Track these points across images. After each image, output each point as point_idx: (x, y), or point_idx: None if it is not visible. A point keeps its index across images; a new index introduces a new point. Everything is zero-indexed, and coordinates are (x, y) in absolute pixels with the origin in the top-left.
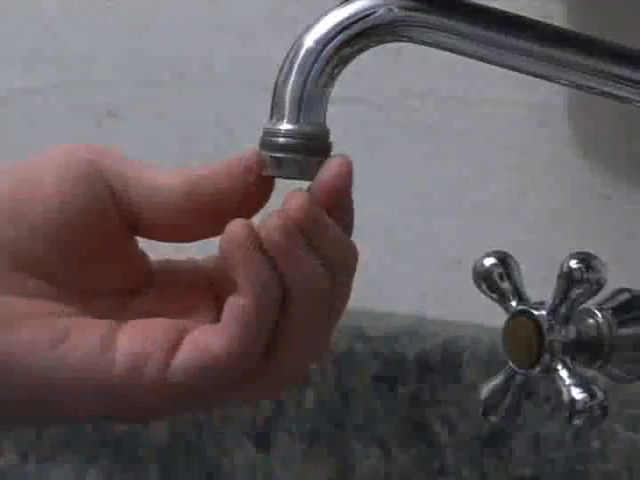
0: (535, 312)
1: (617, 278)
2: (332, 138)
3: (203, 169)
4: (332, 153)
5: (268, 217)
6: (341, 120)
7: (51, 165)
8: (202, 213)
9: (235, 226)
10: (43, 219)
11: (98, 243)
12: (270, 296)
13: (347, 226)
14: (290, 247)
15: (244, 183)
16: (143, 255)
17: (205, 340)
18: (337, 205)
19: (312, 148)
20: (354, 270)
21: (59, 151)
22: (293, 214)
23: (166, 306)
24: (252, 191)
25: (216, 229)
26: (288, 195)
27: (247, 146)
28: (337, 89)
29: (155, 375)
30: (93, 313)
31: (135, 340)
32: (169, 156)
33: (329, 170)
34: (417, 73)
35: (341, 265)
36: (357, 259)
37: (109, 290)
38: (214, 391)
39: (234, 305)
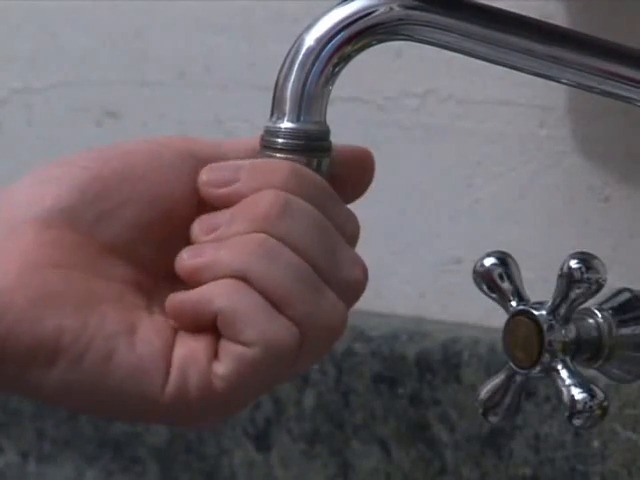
0: (535, 312)
1: (617, 278)
2: (332, 138)
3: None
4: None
5: None
6: (341, 120)
7: (143, 154)
8: None
9: None
10: (144, 208)
11: (179, 225)
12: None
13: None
14: None
15: None
16: None
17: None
18: None
19: (313, 147)
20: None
21: (144, 144)
22: None
23: None
24: None
25: None
26: None
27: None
28: (337, 89)
29: (201, 382)
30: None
31: (186, 345)
32: None
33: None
34: (417, 73)
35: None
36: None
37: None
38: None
39: None
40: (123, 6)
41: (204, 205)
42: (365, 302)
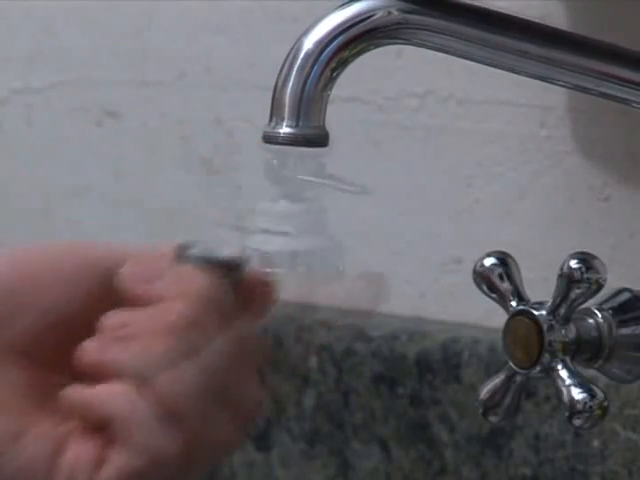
0: (535, 312)
1: (617, 278)
2: (332, 138)
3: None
4: (332, 153)
5: None
6: (341, 120)
7: (43, 262)
8: None
9: None
10: (43, 310)
11: (88, 326)
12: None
13: None
14: None
15: None
16: None
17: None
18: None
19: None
20: None
21: (56, 247)
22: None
23: None
24: None
25: None
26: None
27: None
28: (337, 89)
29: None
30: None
31: (75, 451)
32: (169, 156)
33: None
34: (417, 73)
35: None
36: None
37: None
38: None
39: None
40: (123, 6)
41: (102, 311)
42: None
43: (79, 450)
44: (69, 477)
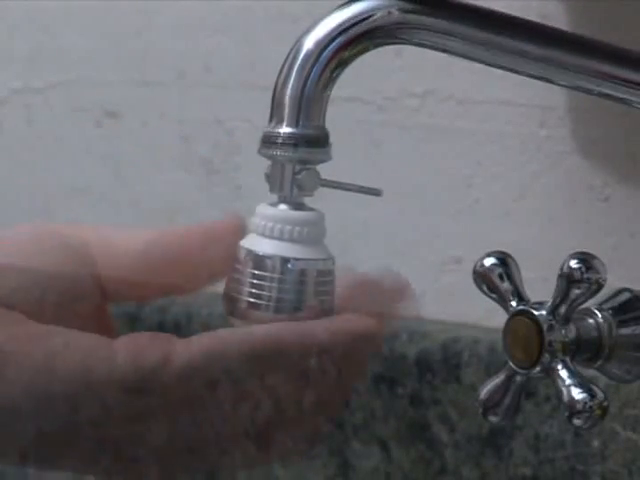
0: (535, 312)
1: (617, 278)
2: (332, 138)
3: (169, 230)
4: (332, 153)
5: None
6: (341, 120)
7: (24, 244)
8: (159, 271)
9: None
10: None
11: (79, 317)
12: None
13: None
14: None
15: (213, 254)
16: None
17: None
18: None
19: (311, 152)
20: None
21: (28, 230)
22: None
23: None
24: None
25: (177, 286)
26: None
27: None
28: (337, 89)
29: (159, 360)
30: None
31: (132, 337)
32: (169, 156)
33: None
34: (417, 73)
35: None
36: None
37: None
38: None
39: None
40: (123, 6)
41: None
42: None
43: (140, 338)
44: (134, 358)
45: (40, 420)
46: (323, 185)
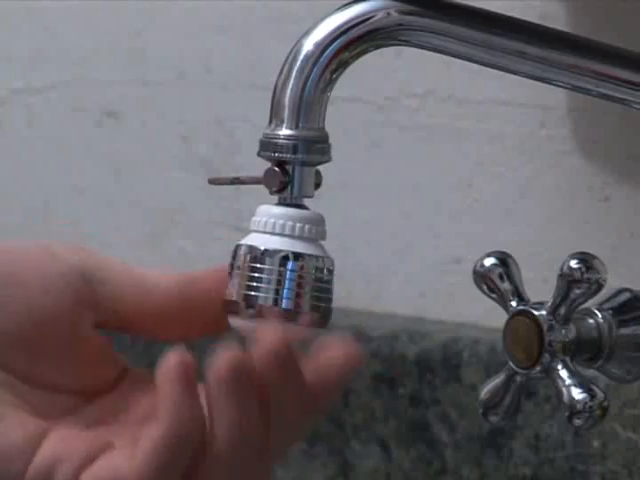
0: (535, 312)
1: (617, 278)
2: (332, 138)
3: (195, 273)
4: (332, 153)
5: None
6: (341, 120)
7: (32, 264)
8: (194, 313)
9: (172, 359)
10: (18, 315)
11: (64, 340)
12: (186, 431)
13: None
14: (229, 392)
15: None
16: (116, 356)
17: (117, 461)
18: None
19: (311, 153)
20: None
21: (37, 248)
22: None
23: (131, 407)
24: None
25: (206, 330)
26: (261, 330)
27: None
28: (337, 89)
29: None
30: (48, 409)
31: (57, 446)
32: (169, 156)
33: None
34: (417, 73)
35: (282, 413)
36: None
37: (69, 390)
38: None
39: (149, 433)
40: (123, 6)
41: (74, 314)
42: (365, 302)
43: (65, 442)
44: (47, 469)
45: None
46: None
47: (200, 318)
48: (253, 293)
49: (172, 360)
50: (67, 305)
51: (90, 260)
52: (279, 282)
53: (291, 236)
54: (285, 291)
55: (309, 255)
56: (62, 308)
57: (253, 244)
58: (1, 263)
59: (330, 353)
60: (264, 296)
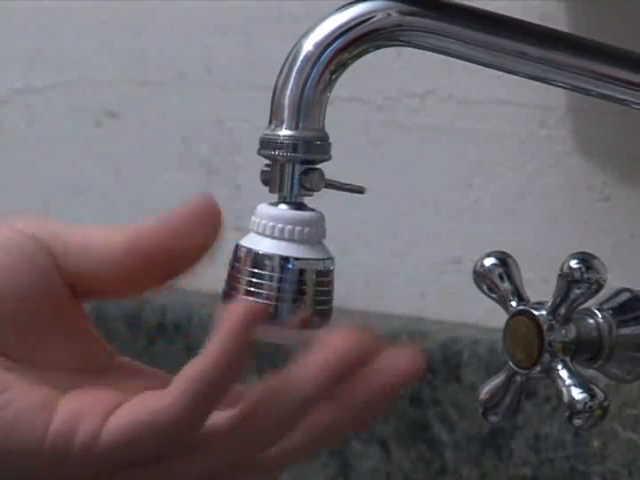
0: (535, 312)
1: (617, 278)
2: (332, 138)
3: (147, 225)
4: (332, 153)
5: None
6: (341, 120)
7: None
8: (143, 269)
9: (247, 305)
10: None
11: (48, 315)
12: (232, 371)
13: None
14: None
15: (193, 239)
16: (99, 338)
17: (145, 399)
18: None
19: (311, 151)
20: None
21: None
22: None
23: (131, 386)
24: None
25: (162, 279)
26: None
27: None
28: (337, 89)
29: (88, 435)
30: (48, 386)
31: (75, 402)
32: (169, 156)
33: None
34: (417, 73)
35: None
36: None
37: (66, 368)
38: (153, 459)
39: (191, 365)
40: (123, 6)
41: (47, 296)
42: (365, 302)
43: (83, 398)
44: (69, 424)
45: None
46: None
47: (146, 275)
48: (252, 299)
49: (245, 305)
50: (39, 278)
51: (47, 231)
52: (279, 289)
53: (291, 240)
54: (285, 296)
55: (309, 259)
56: (36, 281)
57: (253, 247)
58: None
59: (394, 364)
60: (263, 302)
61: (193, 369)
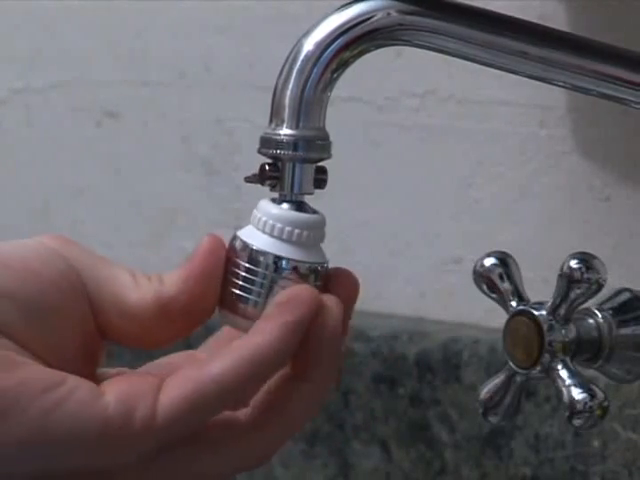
0: (535, 312)
1: (617, 278)
2: (332, 138)
3: (174, 282)
4: (332, 153)
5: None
6: (341, 120)
7: (30, 259)
8: (173, 323)
9: (310, 289)
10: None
11: (79, 339)
12: (290, 347)
13: None
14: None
15: (216, 281)
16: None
17: (193, 373)
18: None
19: (311, 150)
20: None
21: (34, 246)
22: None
23: None
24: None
25: (188, 329)
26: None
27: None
28: (337, 89)
29: (147, 410)
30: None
31: (120, 385)
32: (169, 156)
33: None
34: (417, 73)
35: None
36: None
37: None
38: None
39: (247, 338)
40: (123, 6)
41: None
42: (365, 302)
43: (123, 381)
44: (125, 404)
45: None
46: None
47: (170, 331)
48: (244, 294)
49: (308, 289)
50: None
51: (81, 259)
52: (271, 287)
53: (289, 241)
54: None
55: (304, 262)
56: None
57: (249, 242)
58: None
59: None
60: (254, 299)
61: (251, 338)
